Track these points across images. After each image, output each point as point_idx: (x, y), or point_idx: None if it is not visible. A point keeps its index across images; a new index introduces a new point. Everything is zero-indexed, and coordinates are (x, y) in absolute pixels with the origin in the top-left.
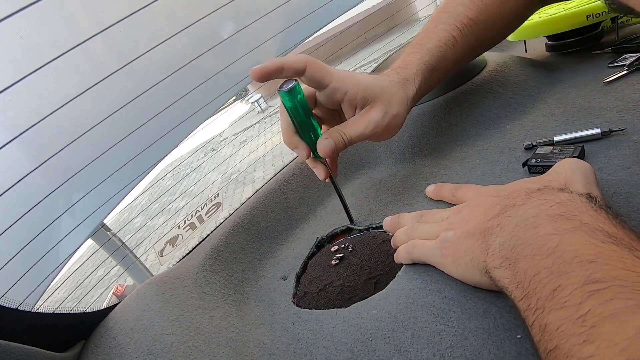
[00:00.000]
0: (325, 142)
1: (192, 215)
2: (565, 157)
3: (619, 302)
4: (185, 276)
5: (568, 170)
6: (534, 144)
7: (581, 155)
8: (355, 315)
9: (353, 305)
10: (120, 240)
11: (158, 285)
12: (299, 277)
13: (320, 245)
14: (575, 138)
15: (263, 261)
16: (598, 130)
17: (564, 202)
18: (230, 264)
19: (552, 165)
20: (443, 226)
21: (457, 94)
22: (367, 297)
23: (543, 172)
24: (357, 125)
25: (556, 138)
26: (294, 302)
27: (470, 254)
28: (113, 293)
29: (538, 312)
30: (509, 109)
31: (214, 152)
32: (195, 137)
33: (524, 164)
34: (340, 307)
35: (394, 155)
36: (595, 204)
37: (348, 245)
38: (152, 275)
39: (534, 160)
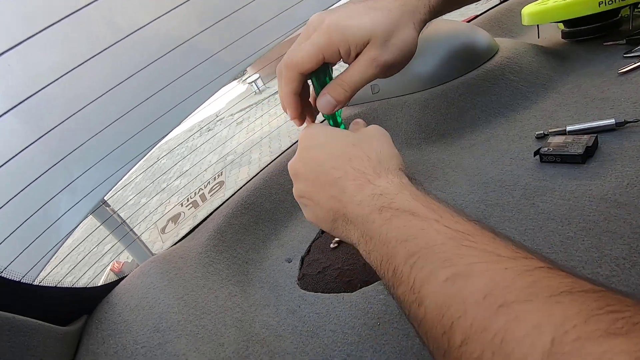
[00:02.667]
0: (323, 99)
1: (195, 194)
2: (578, 147)
3: (426, 268)
4: (189, 256)
5: (377, 138)
6: (546, 133)
7: (594, 146)
8: (362, 300)
9: (359, 290)
10: (120, 217)
11: (162, 263)
12: (304, 260)
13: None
14: (588, 128)
15: (267, 243)
16: (612, 121)
17: (384, 193)
18: (233, 245)
19: (565, 155)
20: (299, 198)
21: (467, 79)
22: (372, 282)
23: (555, 162)
24: (355, 69)
25: (569, 128)
26: (299, 285)
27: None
28: (110, 269)
29: (392, 289)
30: (521, 96)
31: (210, 132)
32: (191, 116)
33: (536, 153)
34: (339, 290)
35: (401, 141)
36: (402, 184)
37: None
38: (152, 253)
39: (546, 149)
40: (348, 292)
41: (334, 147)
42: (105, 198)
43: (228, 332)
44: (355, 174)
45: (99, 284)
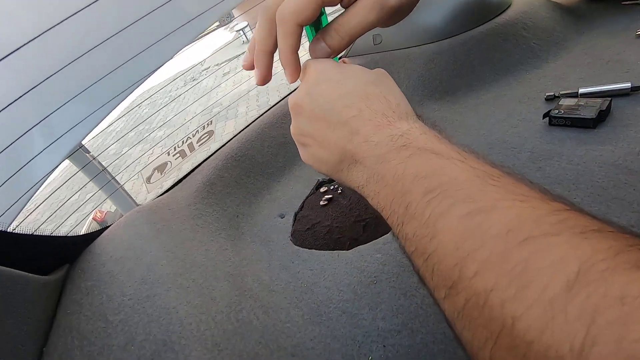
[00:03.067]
0: (318, 47)
1: (182, 142)
2: (590, 111)
3: (445, 202)
4: (177, 207)
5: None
6: (557, 95)
7: (607, 110)
8: (357, 258)
9: (355, 248)
10: (101, 164)
11: (148, 214)
12: (297, 217)
13: (319, 187)
14: (602, 91)
15: (259, 197)
16: (628, 85)
17: (404, 133)
18: (223, 198)
19: (576, 119)
20: (298, 136)
21: (476, 33)
22: (361, 240)
23: (565, 125)
24: (354, 13)
25: (581, 90)
26: (292, 241)
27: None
28: (93, 219)
29: (399, 226)
30: (532, 55)
31: (195, 82)
32: (174, 64)
33: (545, 115)
34: (329, 247)
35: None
36: (424, 127)
37: (337, 187)
38: (137, 204)
39: (557, 112)
40: (338, 249)
41: (348, 84)
42: (86, 146)
43: (220, 285)
44: (372, 114)
45: (81, 234)
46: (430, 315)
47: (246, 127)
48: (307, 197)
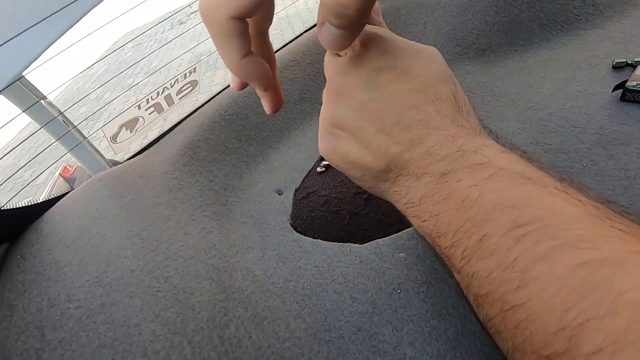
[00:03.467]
0: (326, 32)
1: (157, 94)
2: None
3: (545, 244)
4: (150, 174)
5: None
6: (630, 62)
7: None
8: (375, 256)
9: (372, 242)
10: (57, 109)
11: (113, 183)
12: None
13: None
14: None
15: (252, 167)
16: None
17: (479, 149)
18: (209, 166)
19: None
20: (331, 127)
21: None
22: (361, 215)
23: None
24: None
25: None
26: (292, 225)
27: (374, 181)
28: (60, 174)
29: (464, 261)
30: (594, 11)
31: (182, 25)
32: (160, 4)
33: (617, 87)
34: (325, 220)
35: None
36: (501, 146)
37: None
38: (109, 163)
39: (634, 84)
40: (334, 223)
41: (419, 77)
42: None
43: (201, 287)
44: (442, 121)
45: (44, 196)
46: (476, 347)
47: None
48: (310, 171)
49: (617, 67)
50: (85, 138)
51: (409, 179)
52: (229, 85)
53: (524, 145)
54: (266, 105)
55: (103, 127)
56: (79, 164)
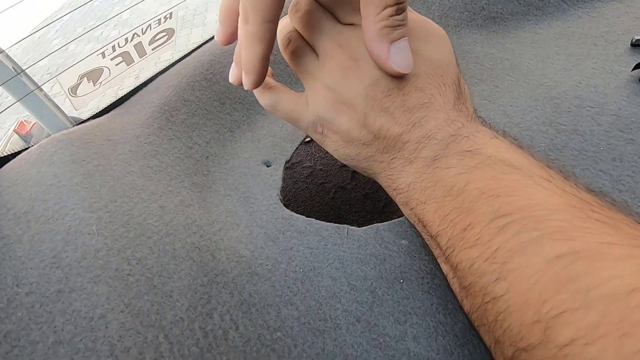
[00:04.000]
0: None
1: (126, 41)
2: None
3: (525, 235)
4: (120, 137)
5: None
6: None
7: None
8: (375, 241)
9: (371, 226)
10: (4, 53)
11: (75, 145)
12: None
13: None
14: None
15: (237, 134)
16: None
17: (471, 134)
18: (188, 131)
19: None
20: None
21: None
22: (348, 189)
23: None
24: None
25: None
26: (282, 201)
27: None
28: (15, 131)
29: (449, 250)
30: None
31: None
32: None
33: (637, 67)
34: (310, 192)
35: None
36: (494, 132)
37: None
38: (71, 121)
39: None
40: (319, 196)
41: (425, 60)
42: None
43: (179, 269)
44: (444, 104)
45: None
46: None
47: None
48: (301, 142)
49: (637, 45)
50: (37, 86)
51: (402, 162)
52: (208, 40)
53: (536, 125)
54: (237, 76)
55: (59, 77)
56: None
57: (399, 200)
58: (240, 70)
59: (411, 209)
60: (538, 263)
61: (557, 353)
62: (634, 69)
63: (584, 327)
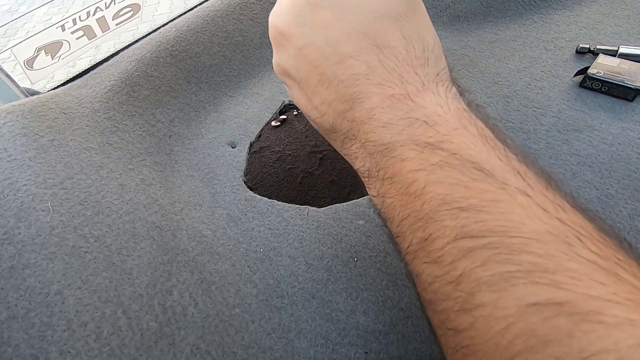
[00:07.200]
0: None
1: (88, 14)
2: (635, 78)
3: (495, 267)
4: (77, 111)
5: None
6: (592, 49)
7: None
8: (333, 221)
9: (330, 206)
10: None
11: (28, 117)
12: (252, 147)
13: (284, 111)
14: None
15: (202, 114)
16: None
17: (430, 118)
18: (151, 108)
19: (615, 85)
20: (281, 76)
21: None
22: (316, 175)
23: (599, 91)
24: None
25: (623, 49)
26: (245, 183)
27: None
28: None
29: (409, 257)
30: None
31: None
32: None
33: (579, 73)
34: (277, 177)
35: None
36: (460, 111)
37: (294, 108)
38: (25, 94)
39: (595, 72)
40: (287, 181)
41: (360, 15)
42: None
43: (139, 247)
44: (385, 75)
45: None
46: None
47: (189, 9)
48: (267, 123)
49: (581, 52)
50: None
51: (355, 143)
52: (178, 16)
53: None
54: None
55: (13, 48)
56: None
57: (364, 182)
58: None
59: (374, 196)
60: (510, 307)
61: None
62: (575, 75)
63: None
